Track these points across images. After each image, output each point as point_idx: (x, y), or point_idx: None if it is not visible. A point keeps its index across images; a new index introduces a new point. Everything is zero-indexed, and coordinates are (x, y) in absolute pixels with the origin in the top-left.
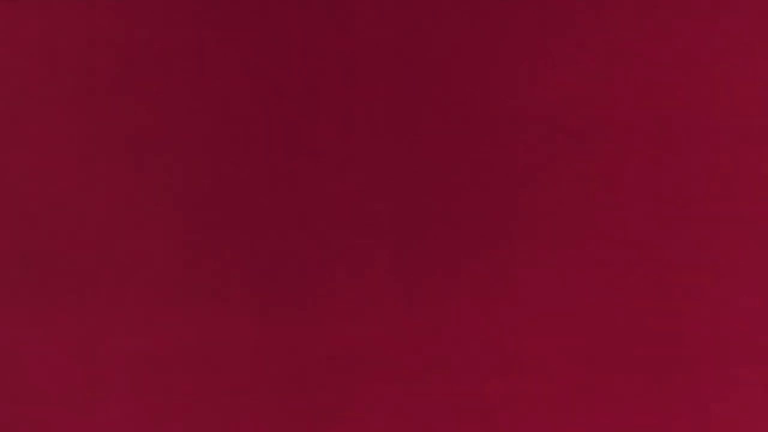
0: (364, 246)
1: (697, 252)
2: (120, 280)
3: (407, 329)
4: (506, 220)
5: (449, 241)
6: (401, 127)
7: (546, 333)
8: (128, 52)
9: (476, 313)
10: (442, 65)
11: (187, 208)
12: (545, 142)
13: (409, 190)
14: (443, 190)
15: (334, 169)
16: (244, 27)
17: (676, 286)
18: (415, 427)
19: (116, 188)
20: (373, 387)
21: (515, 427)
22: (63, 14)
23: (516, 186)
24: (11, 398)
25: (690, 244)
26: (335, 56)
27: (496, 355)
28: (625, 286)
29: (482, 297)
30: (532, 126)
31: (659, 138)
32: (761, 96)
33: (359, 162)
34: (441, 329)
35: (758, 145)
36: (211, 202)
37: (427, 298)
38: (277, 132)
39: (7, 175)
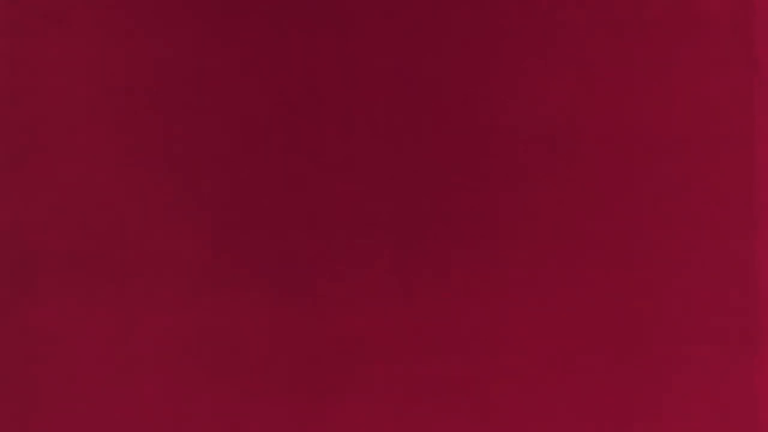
0: (367, 244)
1: (657, 248)
2: (153, 274)
3: (405, 318)
4: (499, 220)
5: (445, 240)
6: (402, 129)
7: (529, 322)
8: (162, 72)
9: (468, 304)
10: (443, 67)
11: (211, 211)
12: (542, 143)
13: (409, 191)
14: (442, 190)
15: (342, 174)
16: (265, 47)
17: (640, 278)
18: (411, 402)
19: (150, 194)
20: (373, 368)
21: (500, 400)
22: (108, 41)
23: (510, 188)
24: (57, 378)
25: (653, 241)
26: (338, 60)
27: (484, 340)
28: (602, 281)
29: (474, 291)
30: (530, 129)
31: (644, 146)
32: (734, 108)
33: (364, 165)
34: (436, 319)
35: (732, 154)
36: (232, 204)
37: (424, 291)
38: (287, 140)
39: (56, 184)
